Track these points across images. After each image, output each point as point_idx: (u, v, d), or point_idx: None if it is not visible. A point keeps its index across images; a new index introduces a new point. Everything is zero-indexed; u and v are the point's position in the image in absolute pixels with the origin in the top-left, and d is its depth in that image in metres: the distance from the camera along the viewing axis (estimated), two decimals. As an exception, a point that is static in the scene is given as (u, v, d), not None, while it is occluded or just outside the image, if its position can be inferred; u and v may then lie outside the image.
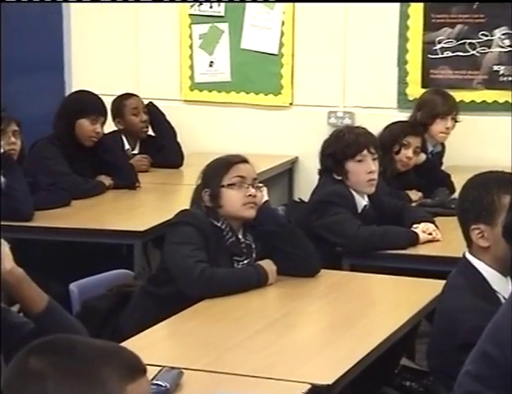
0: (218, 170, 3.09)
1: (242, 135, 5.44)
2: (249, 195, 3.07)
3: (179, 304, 2.81)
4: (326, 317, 2.96)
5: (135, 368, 1.25)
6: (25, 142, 4.20)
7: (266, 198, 3.13)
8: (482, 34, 5.08)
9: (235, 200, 3.05)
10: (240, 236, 3.10)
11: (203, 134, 5.48)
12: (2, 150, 3.89)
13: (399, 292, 3.16)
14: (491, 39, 5.07)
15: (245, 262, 3.06)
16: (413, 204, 4.14)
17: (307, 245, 3.15)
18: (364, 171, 3.68)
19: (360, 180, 3.70)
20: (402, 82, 5.21)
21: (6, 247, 2.12)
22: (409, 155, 4.29)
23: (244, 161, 3.13)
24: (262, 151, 5.36)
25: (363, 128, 3.85)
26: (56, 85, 5.63)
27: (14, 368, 1.22)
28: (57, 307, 2.18)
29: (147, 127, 5.08)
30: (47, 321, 2.10)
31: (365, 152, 3.69)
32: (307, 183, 4.86)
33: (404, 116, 4.84)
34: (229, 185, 3.06)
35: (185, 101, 5.60)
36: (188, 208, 3.16)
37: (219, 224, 3.05)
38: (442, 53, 5.14)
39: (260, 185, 3.16)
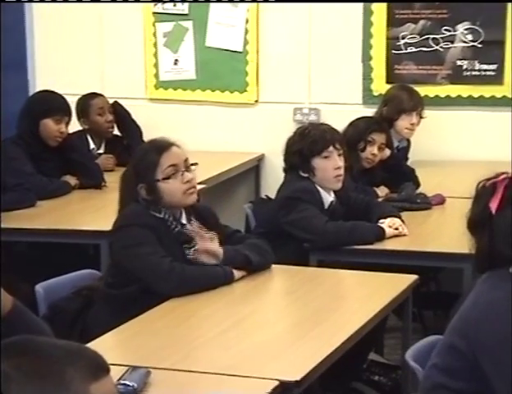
0: (149, 164, 2.99)
1: (208, 132, 5.44)
2: (187, 182, 3.02)
3: (142, 304, 2.79)
4: (294, 313, 2.96)
5: (99, 367, 1.25)
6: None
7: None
8: (445, 30, 5.12)
9: (174, 191, 2.99)
10: (185, 222, 3.06)
11: (169, 132, 5.38)
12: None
13: (366, 287, 3.17)
14: (454, 34, 5.11)
15: (196, 248, 3.02)
16: (380, 200, 4.17)
17: (268, 258, 3.15)
18: (331, 167, 3.70)
19: (327, 176, 3.71)
20: (367, 78, 5.23)
21: None
22: (374, 152, 4.31)
23: (171, 145, 3.04)
24: (229, 148, 5.36)
25: (327, 124, 3.86)
26: (19, 85, 5.58)
27: None
28: (23, 309, 2.15)
29: (112, 127, 5.06)
30: (12, 324, 2.08)
31: (331, 148, 3.70)
32: (273, 180, 4.86)
33: (370, 111, 4.87)
34: (164, 178, 3.00)
35: (150, 99, 5.58)
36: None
37: (162, 215, 3.00)
38: (406, 49, 5.17)
39: (192, 164, 3.07)
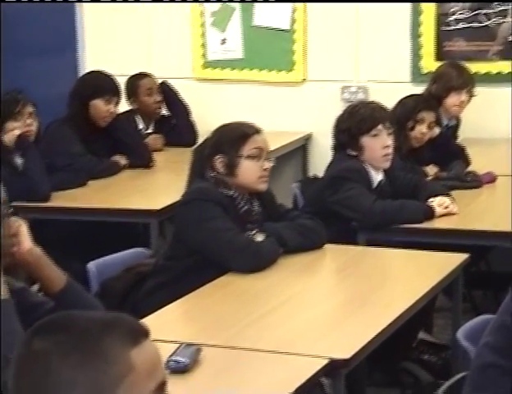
0: (236, 139, 3.05)
1: (255, 112, 5.42)
2: (265, 169, 3.07)
3: (197, 278, 2.82)
4: (342, 292, 2.96)
5: (137, 332, 1.24)
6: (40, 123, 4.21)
7: (261, 238, 3.05)
8: (497, 4, 5.03)
9: (251, 172, 3.05)
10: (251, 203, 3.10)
11: (217, 112, 5.47)
12: (18, 132, 3.92)
13: (415, 266, 3.16)
14: (506, 9, 5.03)
15: (256, 229, 3.05)
16: (429, 179, 4.13)
17: (313, 240, 3.14)
18: (380, 145, 3.67)
19: (376, 155, 3.69)
20: (416, 55, 5.18)
21: (24, 227, 2.14)
22: (423, 131, 4.27)
23: (259, 131, 3.12)
24: (276, 128, 5.35)
25: (377, 102, 3.84)
26: (69, 66, 5.64)
27: (19, 354, 1.23)
28: (76, 286, 2.20)
29: (160, 107, 5.09)
30: (66, 300, 2.12)
31: (380, 126, 3.68)
32: (321, 159, 4.85)
33: (418, 89, 4.82)
34: (248, 156, 3.05)
35: (197, 79, 5.59)
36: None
37: (231, 193, 3.05)
38: (456, 25, 5.10)
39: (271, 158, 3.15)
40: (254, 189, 3.09)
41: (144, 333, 1.25)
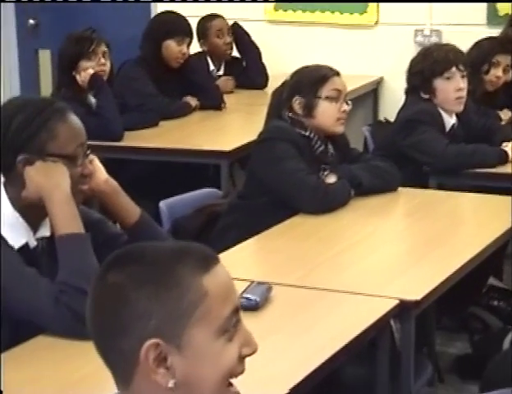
0: (315, 80, 3.06)
1: (327, 54, 5.37)
2: (343, 111, 3.07)
3: (270, 217, 2.85)
4: (413, 235, 2.96)
5: (207, 259, 1.25)
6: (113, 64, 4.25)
7: (333, 179, 3.05)
8: None
9: (330, 114, 3.05)
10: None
11: (288, 54, 5.44)
12: (92, 71, 3.96)
13: (487, 211, 3.13)
14: None
15: (328, 170, 3.07)
16: (503, 123, 4.06)
17: (389, 181, 3.14)
18: (453, 88, 3.63)
19: (448, 97, 3.64)
20: (492, -3, 5.05)
21: (96, 160, 2.18)
22: (498, 74, 4.18)
23: (338, 73, 3.13)
24: (347, 71, 5.23)
25: (452, 45, 3.77)
26: (142, 7, 5.65)
27: (94, 288, 1.26)
28: (150, 219, 2.24)
29: (231, 49, 5.08)
30: (140, 231, 2.16)
31: (454, 69, 3.63)
32: (392, 103, 4.80)
33: (494, 32, 4.70)
34: (327, 97, 3.06)
35: (269, 21, 5.55)
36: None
37: (307, 134, 3.06)
38: (536, -36, 4.95)
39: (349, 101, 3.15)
40: (331, 131, 3.09)
41: (214, 259, 1.26)
